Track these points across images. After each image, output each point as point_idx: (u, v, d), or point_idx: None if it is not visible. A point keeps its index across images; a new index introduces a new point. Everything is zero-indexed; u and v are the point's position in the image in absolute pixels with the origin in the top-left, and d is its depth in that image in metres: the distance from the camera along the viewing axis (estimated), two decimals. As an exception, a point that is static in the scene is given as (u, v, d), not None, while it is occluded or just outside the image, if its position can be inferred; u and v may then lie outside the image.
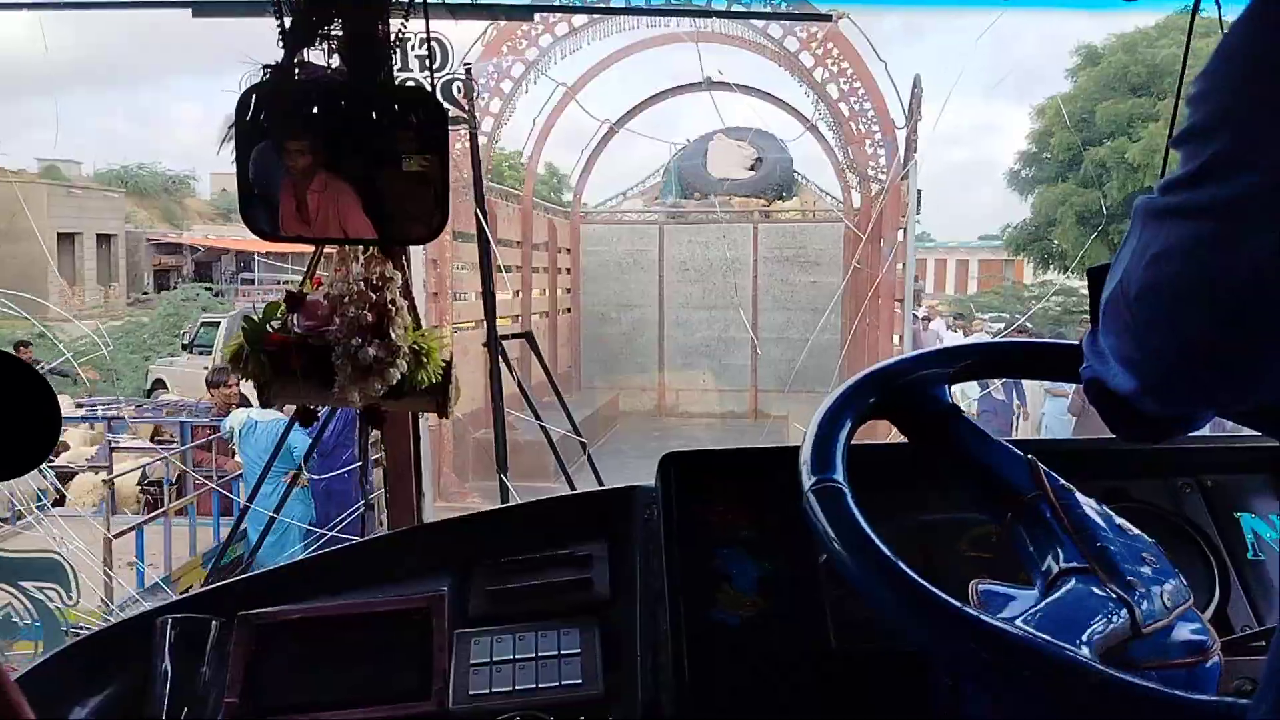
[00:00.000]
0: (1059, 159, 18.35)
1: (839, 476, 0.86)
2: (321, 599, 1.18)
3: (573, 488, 2.88)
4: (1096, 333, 0.78)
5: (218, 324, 12.89)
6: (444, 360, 1.31)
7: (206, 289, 21.21)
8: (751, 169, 14.24)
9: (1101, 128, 17.27)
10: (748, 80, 11.27)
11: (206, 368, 10.09)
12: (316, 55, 1.36)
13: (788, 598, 1.10)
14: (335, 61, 1.35)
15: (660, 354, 13.19)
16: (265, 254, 26.20)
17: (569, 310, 12.97)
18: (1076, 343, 0.99)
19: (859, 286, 11.21)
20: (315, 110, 1.32)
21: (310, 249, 1.43)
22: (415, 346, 1.29)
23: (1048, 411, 8.93)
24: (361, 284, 1.29)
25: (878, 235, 8.77)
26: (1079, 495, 0.91)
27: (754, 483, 1.19)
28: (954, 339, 12.08)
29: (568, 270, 12.88)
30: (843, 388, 0.98)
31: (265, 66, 1.32)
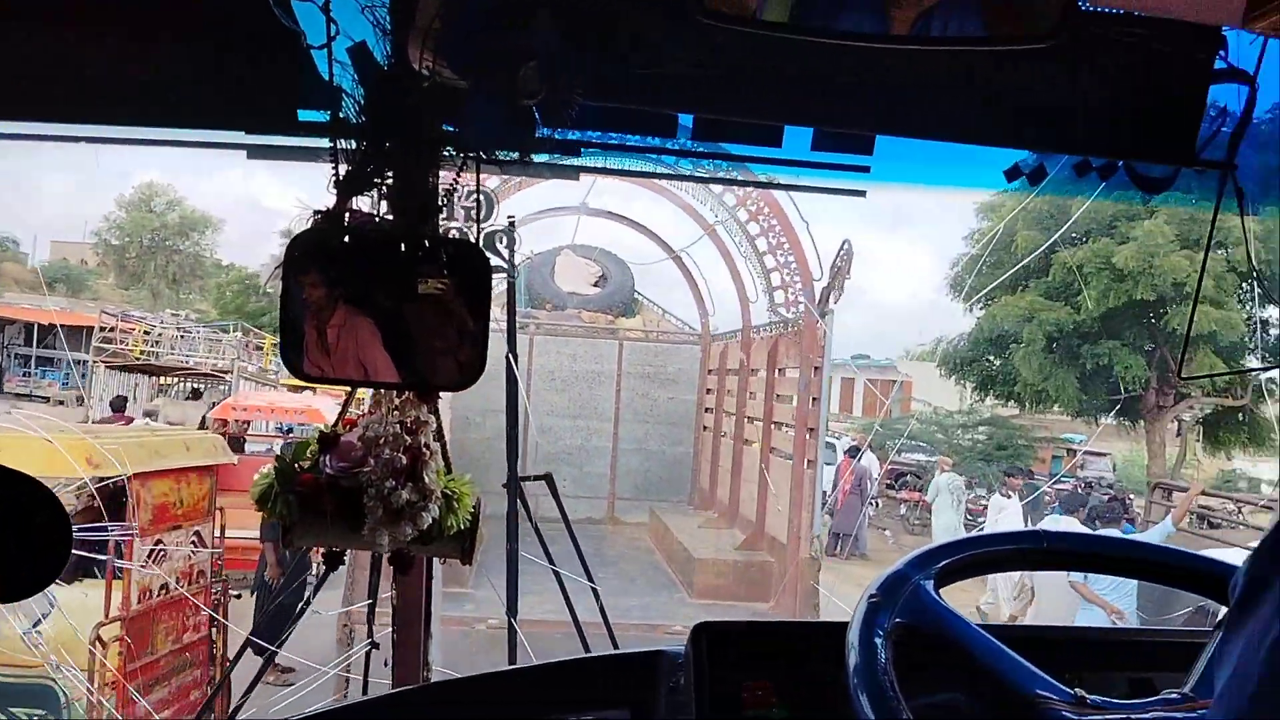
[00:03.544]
0: (1006, 263, 15.31)
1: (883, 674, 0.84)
2: None
3: (586, 647, 2.81)
4: None
5: None
6: (472, 507, 1.34)
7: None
8: (596, 285, 14.78)
9: (1079, 225, 14.92)
10: (618, 201, 11.84)
11: None
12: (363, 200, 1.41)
13: None
14: (384, 208, 1.40)
15: (524, 459, 13.07)
16: (65, 327, 23.28)
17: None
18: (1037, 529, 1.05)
19: (713, 403, 11.76)
20: (352, 252, 1.36)
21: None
22: (447, 491, 1.31)
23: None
24: (397, 426, 1.31)
25: (772, 365, 9.52)
26: None
27: (789, 658, 1.18)
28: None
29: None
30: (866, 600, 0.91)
31: (316, 212, 1.36)
